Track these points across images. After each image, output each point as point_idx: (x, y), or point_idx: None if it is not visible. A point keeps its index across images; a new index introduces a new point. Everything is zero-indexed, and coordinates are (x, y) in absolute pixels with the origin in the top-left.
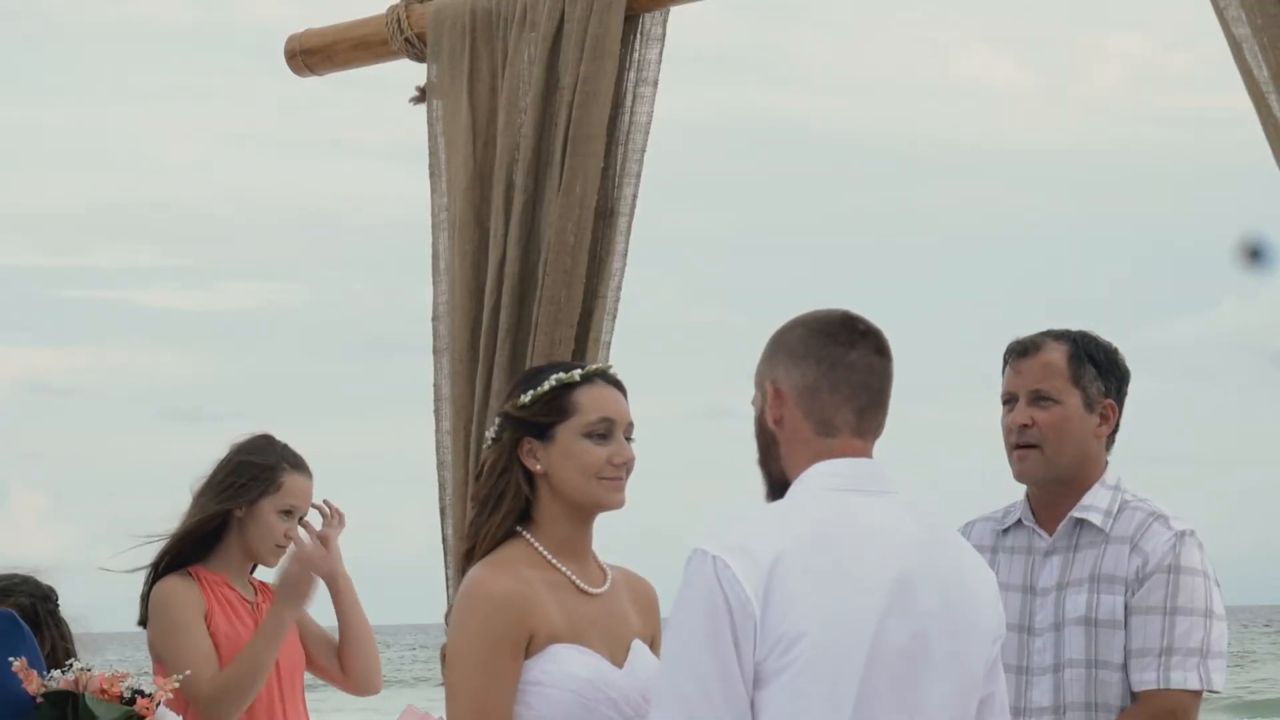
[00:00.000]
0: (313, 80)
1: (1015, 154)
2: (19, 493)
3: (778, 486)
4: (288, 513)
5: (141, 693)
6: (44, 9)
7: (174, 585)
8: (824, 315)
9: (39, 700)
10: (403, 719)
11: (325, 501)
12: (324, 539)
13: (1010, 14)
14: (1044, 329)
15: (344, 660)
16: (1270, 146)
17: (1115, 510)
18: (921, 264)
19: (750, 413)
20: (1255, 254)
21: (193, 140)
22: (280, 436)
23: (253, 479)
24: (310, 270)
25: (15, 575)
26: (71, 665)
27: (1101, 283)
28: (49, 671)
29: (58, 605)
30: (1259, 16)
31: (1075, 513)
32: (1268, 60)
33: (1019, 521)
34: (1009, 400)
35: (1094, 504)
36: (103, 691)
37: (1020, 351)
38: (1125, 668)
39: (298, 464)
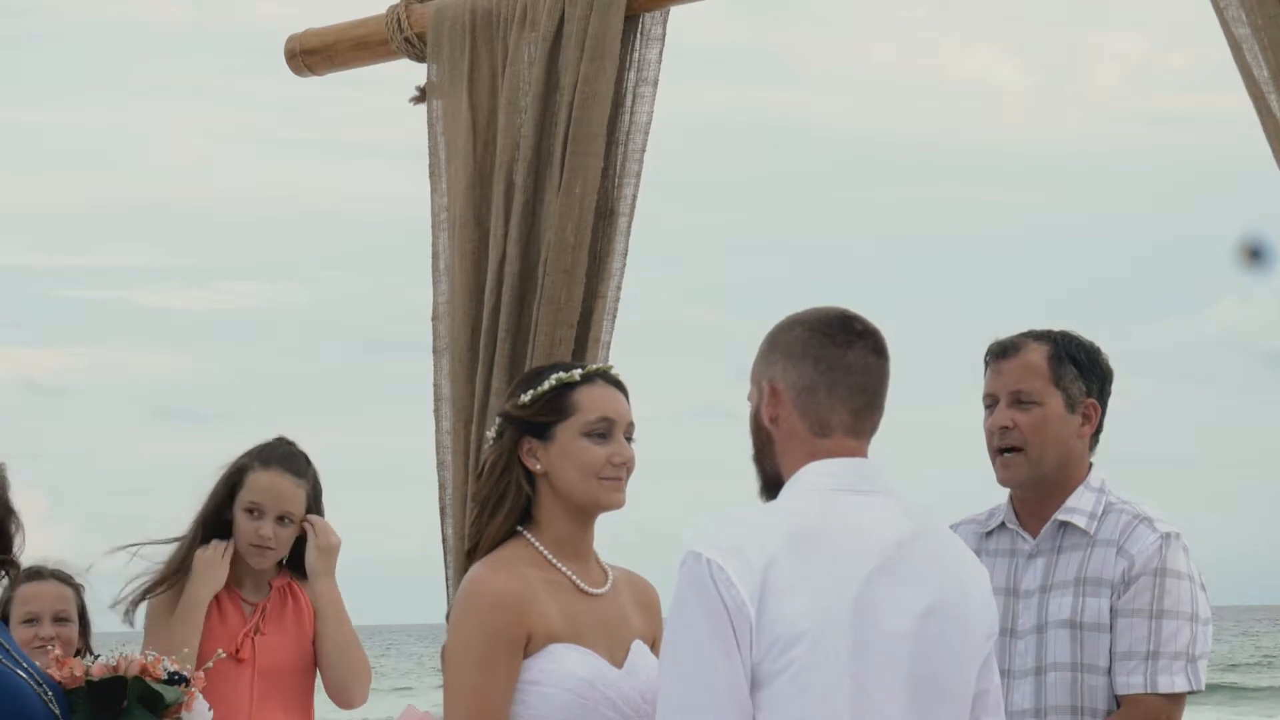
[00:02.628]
0: (313, 80)
1: (1015, 154)
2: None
3: (771, 484)
4: (251, 510)
5: (181, 676)
6: (44, 9)
7: (163, 600)
8: (822, 314)
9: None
10: (402, 719)
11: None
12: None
13: (1010, 14)
14: (1025, 329)
15: (321, 668)
16: (1270, 146)
17: (1100, 512)
18: (921, 264)
19: (746, 409)
20: (1255, 254)
21: (193, 140)
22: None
23: (229, 482)
24: (310, 270)
25: (44, 566)
26: (98, 653)
27: (1100, 283)
28: (86, 657)
29: (82, 597)
30: (1259, 16)
31: (1059, 515)
32: (1268, 60)
33: (1002, 524)
34: (990, 402)
35: (1078, 506)
36: (144, 672)
37: (1000, 352)
38: (1110, 671)
39: (268, 461)
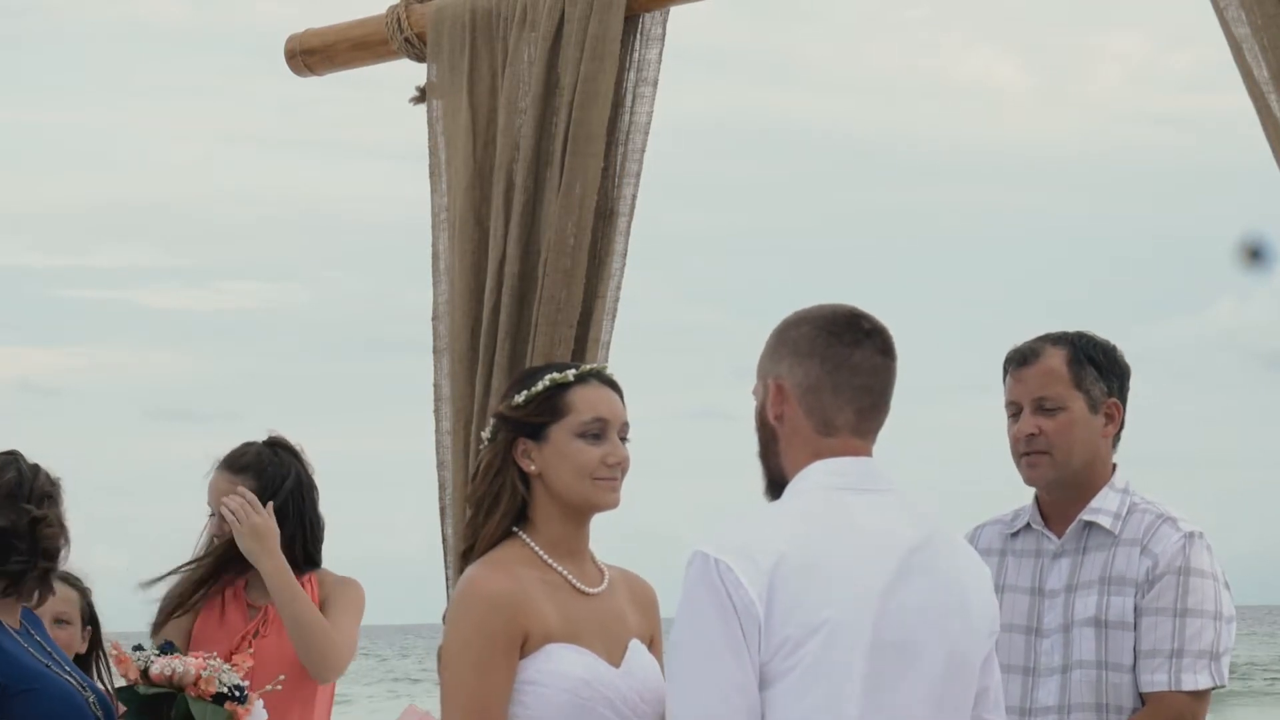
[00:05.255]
0: (313, 80)
1: (1015, 154)
2: None
3: (776, 481)
4: (211, 513)
5: (238, 690)
6: (44, 9)
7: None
8: (830, 312)
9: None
10: (403, 718)
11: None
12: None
13: (1011, 14)
14: (1041, 334)
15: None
16: (1270, 146)
17: (1124, 513)
18: (921, 264)
19: (750, 407)
20: (1255, 254)
21: (193, 140)
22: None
23: None
24: (310, 270)
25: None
26: (160, 657)
27: (1101, 283)
28: (143, 655)
29: (89, 600)
30: (1259, 16)
31: (1084, 515)
32: (1268, 60)
33: (1028, 525)
34: (1013, 410)
35: (1103, 506)
36: (194, 686)
37: (1020, 360)
38: (1134, 669)
39: (220, 464)
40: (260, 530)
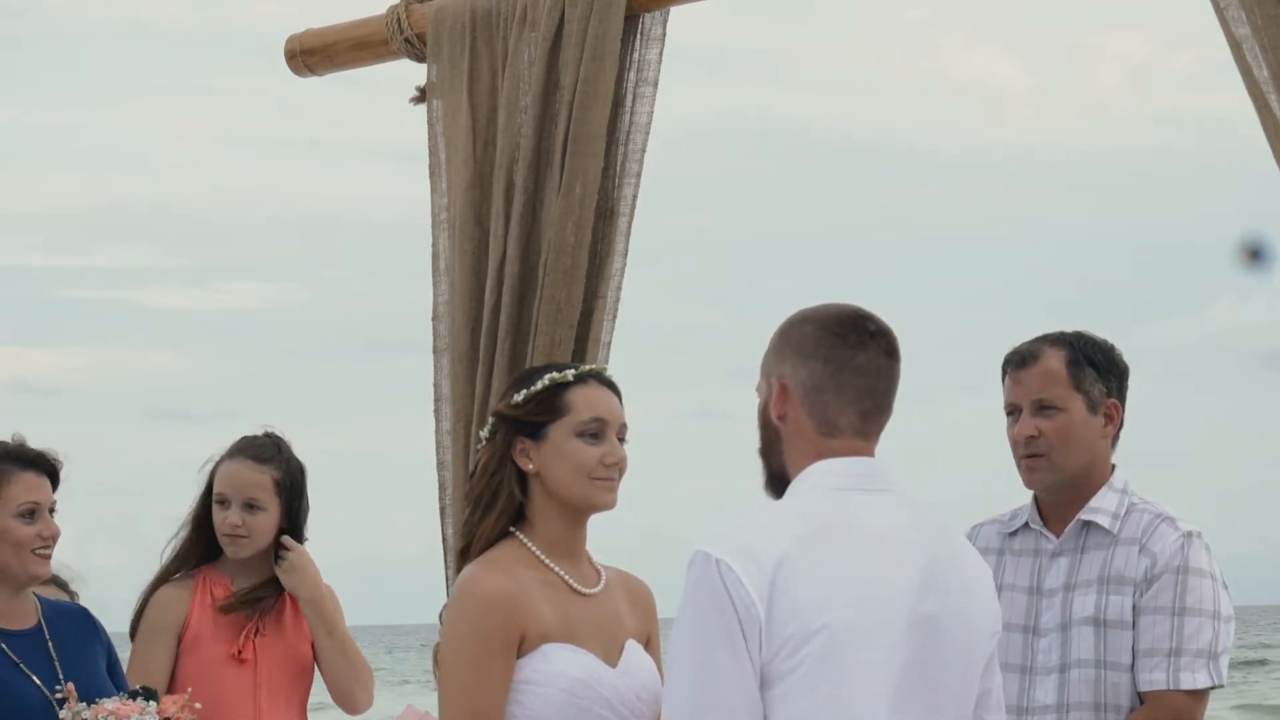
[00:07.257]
0: (313, 80)
1: (1016, 154)
2: None
3: (777, 480)
4: (221, 502)
5: None
6: (44, 9)
7: (160, 593)
8: (834, 313)
9: None
10: (402, 718)
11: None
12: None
13: (1011, 14)
14: (1039, 334)
15: (324, 679)
16: (1270, 146)
17: (1123, 513)
18: (921, 264)
19: (750, 406)
20: (1255, 254)
21: (193, 140)
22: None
23: (207, 480)
24: (310, 270)
25: None
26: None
27: (1101, 283)
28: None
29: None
30: (1259, 16)
31: (1083, 515)
32: (1268, 60)
33: (1026, 524)
34: (1012, 411)
35: (1102, 506)
36: None
37: (1019, 362)
38: (1133, 668)
39: (233, 452)
40: (296, 566)
